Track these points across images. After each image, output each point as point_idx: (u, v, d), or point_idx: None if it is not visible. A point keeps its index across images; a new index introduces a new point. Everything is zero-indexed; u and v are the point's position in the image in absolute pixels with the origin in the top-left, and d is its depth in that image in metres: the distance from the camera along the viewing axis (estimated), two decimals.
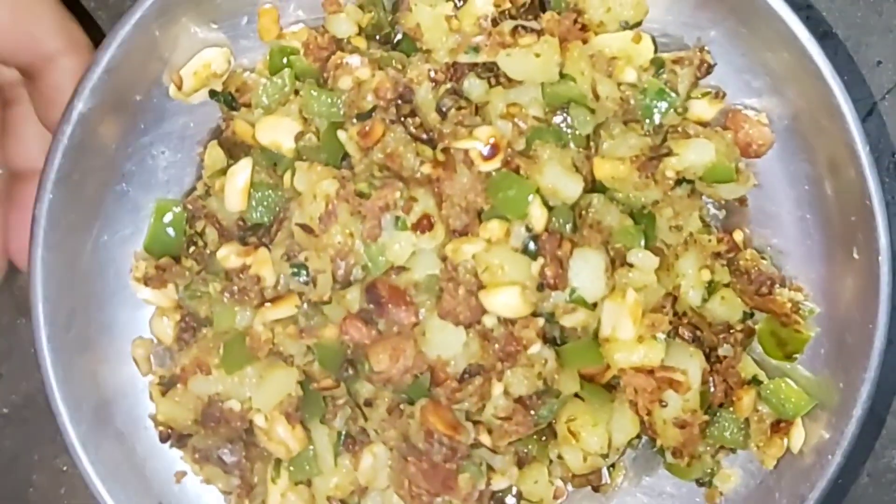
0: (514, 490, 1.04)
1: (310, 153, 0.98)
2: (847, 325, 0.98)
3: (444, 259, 0.93)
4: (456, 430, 0.94)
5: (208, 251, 1.02)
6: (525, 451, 1.01)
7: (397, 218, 0.92)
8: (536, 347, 0.93)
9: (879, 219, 0.94)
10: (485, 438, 0.96)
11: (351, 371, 0.96)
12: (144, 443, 1.03)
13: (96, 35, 1.00)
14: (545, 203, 0.93)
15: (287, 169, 0.98)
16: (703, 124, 1.00)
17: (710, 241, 1.00)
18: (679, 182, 0.99)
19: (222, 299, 0.99)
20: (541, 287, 0.93)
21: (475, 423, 0.96)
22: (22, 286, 1.15)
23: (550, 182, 0.93)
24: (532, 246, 0.93)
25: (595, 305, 0.95)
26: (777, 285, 1.00)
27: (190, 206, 1.02)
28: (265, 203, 0.99)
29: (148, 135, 1.02)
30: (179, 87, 1.00)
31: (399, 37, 1.02)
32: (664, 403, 0.96)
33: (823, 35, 1.09)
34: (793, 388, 1.00)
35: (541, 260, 0.92)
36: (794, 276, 1.02)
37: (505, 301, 0.91)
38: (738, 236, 1.02)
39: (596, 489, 1.06)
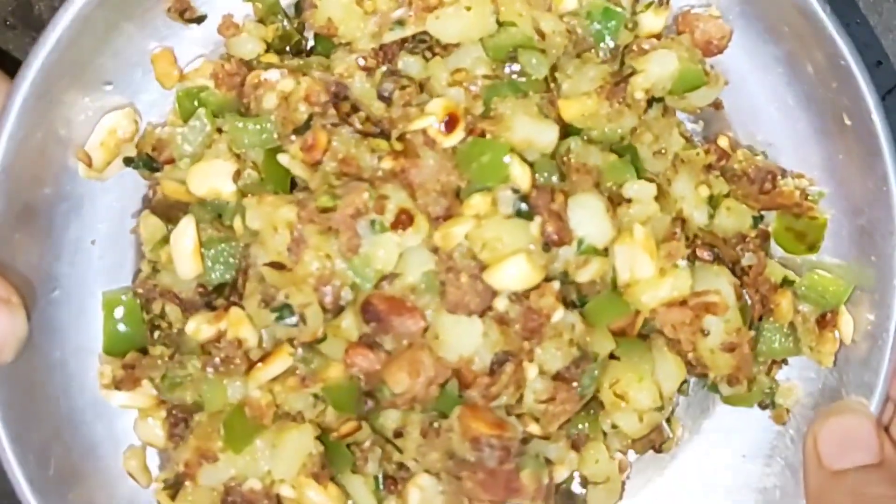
0: (577, 476, 0.97)
1: (254, 189, 0.89)
2: (860, 196, 0.92)
3: (435, 251, 0.85)
4: (502, 428, 0.86)
5: (175, 330, 0.92)
6: (577, 432, 0.94)
7: (372, 221, 0.83)
8: (560, 314, 0.85)
9: (859, 75, 0.88)
10: (533, 428, 0.88)
11: (371, 404, 0.87)
12: None
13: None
14: (523, 159, 0.86)
15: (235, 214, 0.89)
16: (657, 36, 0.94)
17: (697, 154, 0.94)
18: (650, 103, 0.92)
19: (206, 377, 0.89)
20: (546, 247, 0.85)
21: (518, 416, 0.88)
22: None
23: (523, 136, 0.86)
24: (524, 207, 0.85)
25: (606, 251, 0.87)
26: (779, 177, 0.94)
27: (141, 290, 0.93)
28: (221, 259, 0.89)
29: (70, 228, 0.93)
30: (89, 165, 0.91)
31: (311, 43, 0.95)
32: (706, 332, 0.90)
33: None
34: (827, 278, 0.94)
35: (538, 218, 0.85)
36: (792, 164, 0.95)
37: (513, 273, 0.83)
38: (723, 142, 0.96)
39: (658, 449, 0.98)
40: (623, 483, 0.99)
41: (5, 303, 0.86)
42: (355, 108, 0.88)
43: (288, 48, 0.94)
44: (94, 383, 0.94)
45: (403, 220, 0.83)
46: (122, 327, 0.94)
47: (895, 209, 0.89)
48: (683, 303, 0.89)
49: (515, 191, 0.85)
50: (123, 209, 0.95)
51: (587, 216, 0.86)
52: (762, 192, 0.94)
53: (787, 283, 0.95)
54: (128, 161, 0.93)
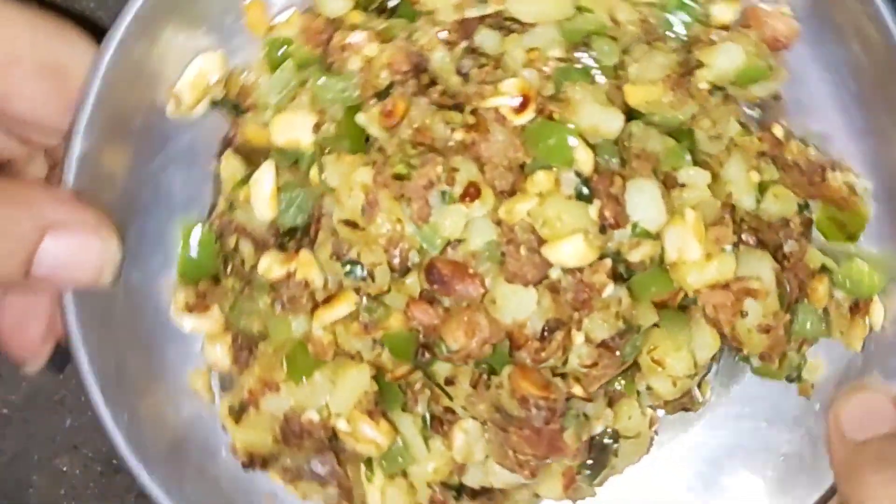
0: (609, 430, 1.02)
1: (331, 143, 0.94)
2: None
3: (498, 223, 0.90)
4: (549, 390, 0.92)
5: (247, 267, 0.98)
6: (613, 389, 0.99)
7: (443, 192, 0.88)
8: (610, 289, 0.90)
9: None
10: (577, 389, 0.93)
11: (428, 356, 0.93)
12: (226, 473, 1.01)
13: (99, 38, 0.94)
14: (587, 143, 0.90)
15: (311, 164, 0.94)
16: (725, 28, 0.96)
17: (752, 142, 0.98)
18: (712, 90, 0.96)
19: (274, 312, 0.95)
20: (602, 229, 0.90)
21: (562, 376, 0.94)
22: None
23: (589, 121, 0.90)
24: (585, 190, 0.90)
25: (658, 234, 0.92)
26: (829, 170, 0.98)
27: (217, 224, 0.99)
28: (296, 204, 0.95)
29: (156, 160, 0.98)
30: (178, 104, 0.96)
31: (393, 2, 0.98)
32: (745, 313, 0.94)
33: None
34: (864, 269, 0.98)
35: (597, 202, 0.89)
36: (840, 156, 0.99)
37: (570, 251, 0.88)
38: (777, 131, 0.99)
39: (687, 409, 1.04)
40: (651, 438, 1.05)
41: (97, 230, 0.91)
42: (434, 81, 0.92)
43: (371, 8, 0.97)
44: (166, 307, 0.99)
45: (471, 193, 0.88)
46: (196, 255, 0.99)
47: None
48: (726, 286, 0.93)
49: (578, 174, 0.89)
50: (206, 148, 0.99)
51: (644, 201, 0.90)
52: (811, 184, 0.98)
53: (824, 269, 0.99)
54: (215, 103, 0.97)
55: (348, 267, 0.92)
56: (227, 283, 0.99)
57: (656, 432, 1.05)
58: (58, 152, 0.93)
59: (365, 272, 0.91)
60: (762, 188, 0.98)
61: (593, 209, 0.89)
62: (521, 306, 0.90)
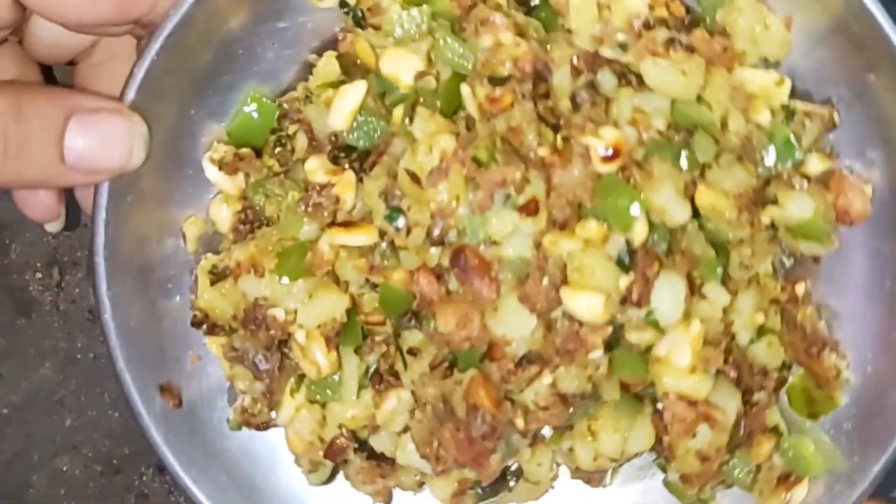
0: (515, 466, 1.05)
1: (426, 95, 0.96)
2: (877, 405, 1.00)
3: (538, 246, 0.92)
4: (501, 410, 0.95)
5: (294, 157, 1.00)
6: (541, 434, 1.02)
7: (508, 196, 0.91)
8: (598, 353, 0.93)
9: None
10: (519, 421, 0.96)
11: (414, 322, 0.96)
12: (169, 314, 1.03)
13: None
14: (649, 219, 0.92)
15: (397, 103, 0.96)
16: (807, 177, 0.99)
17: (774, 287, 1.01)
18: (767, 226, 0.99)
19: (295, 207, 0.97)
20: (623, 301, 0.92)
21: (510, 401, 0.97)
22: (21, 286, 1.15)
23: (661, 201, 0.92)
24: (627, 259, 0.92)
25: (663, 329, 0.95)
26: (828, 349, 1.01)
27: (286, 106, 1.00)
28: (366, 129, 0.97)
29: (266, 24, 0.99)
30: None
31: (537, 1, 1.00)
32: (694, 434, 0.97)
33: None
34: (809, 450, 1.02)
35: (631, 275, 0.92)
36: (840, 340, 1.03)
37: (587, 305, 0.91)
38: (800, 289, 1.03)
39: (588, 484, 1.07)
40: (546, 491, 1.07)
41: (119, 111, 0.94)
42: (546, 94, 0.95)
43: None
44: (203, 149, 1.02)
45: (531, 208, 0.91)
46: (253, 121, 1.01)
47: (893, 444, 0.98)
48: (693, 403, 0.96)
49: (628, 242, 0.92)
50: (310, 37, 1.02)
51: (669, 296, 0.93)
52: (805, 351, 1.01)
53: (776, 431, 1.02)
54: (343, 4, 0.99)
55: (390, 212, 0.94)
56: (266, 161, 1.01)
57: (553, 486, 1.08)
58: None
59: (402, 224, 0.93)
60: (760, 332, 1.01)
61: (625, 280, 0.92)
62: (517, 327, 0.93)
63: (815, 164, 0.99)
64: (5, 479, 1.02)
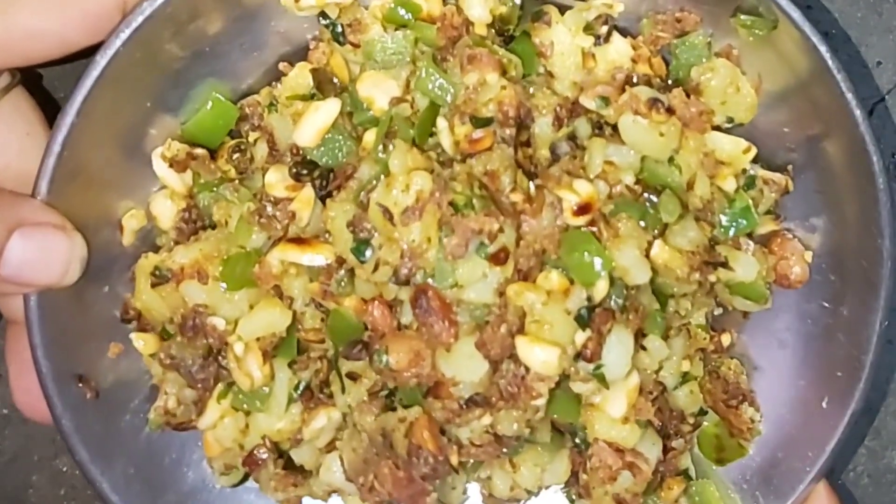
0: None
1: (400, 122, 0.94)
2: (783, 458, 1.03)
3: (500, 294, 0.91)
4: (443, 453, 0.94)
5: (253, 166, 0.97)
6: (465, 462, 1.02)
7: (482, 243, 0.90)
8: (542, 401, 0.94)
9: (861, 384, 0.98)
10: (453, 458, 0.96)
11: (364, 353, 0.95)
12: (96, 303, 0.99)
13: None
14: (610, 277, 0.93)
15: (365, 124, 0.95)
16: (750, 236, 1.02)
17: (703, 337, 1.03)
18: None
19: (247, 216, 0.95)
20: (576, 356, 0.93)
21: (443, 432, 0.96)
22: None
23: (624, 263, 0.93)
24: (586, 315, 0.92)
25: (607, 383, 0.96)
26: (747, 402, 1.04)
27: (247, 110, 0.97)
28: (332, 147, 0.95)
29: (236, 24, 0.96)
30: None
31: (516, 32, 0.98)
32: (615, 479, 0.99)
33: (823, 35, 1.03)
34: (716, 495, 1.05)
35: (588, 332, 0.92)
36: (755, 391, 1.06)
37: (542, 358, 0.91)
38: (725, 340, 1.06)
39: None
40: None
41: (62, 229, 0.92)
42: (528, 142, 0.94)
43: (497, 28, 0.97)
44: (154, 143, 0.98)
45: (500, 258, 0.90)
46: (210, 120, 0.98)
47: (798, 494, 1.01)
48: (620, 450, 0.98)
49: (589, 298, 0.92)
50: (281, 43, 0.99)
51: (618, 352, 0.94)
52: (724, 402, 1.04)
53: (685, 475, 1.05)
54: (324, 16, 0.96)
55: (357, 244, 0.92)
56: (221, 165, 0.98)
57: None
58: None
59: (369, 257, 0.91)
60: (683, 379, 1.03)
61: (581, 336, 0.92)
62: (468, 371, 0.92)
63: (762, 227, 1.02)
64: (5, 479, 1.00)
